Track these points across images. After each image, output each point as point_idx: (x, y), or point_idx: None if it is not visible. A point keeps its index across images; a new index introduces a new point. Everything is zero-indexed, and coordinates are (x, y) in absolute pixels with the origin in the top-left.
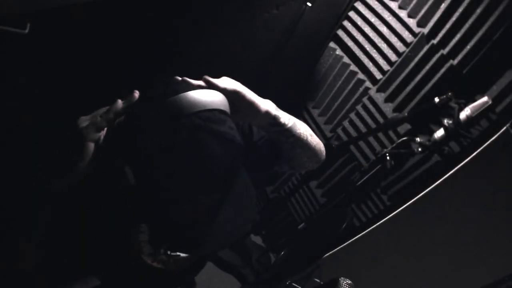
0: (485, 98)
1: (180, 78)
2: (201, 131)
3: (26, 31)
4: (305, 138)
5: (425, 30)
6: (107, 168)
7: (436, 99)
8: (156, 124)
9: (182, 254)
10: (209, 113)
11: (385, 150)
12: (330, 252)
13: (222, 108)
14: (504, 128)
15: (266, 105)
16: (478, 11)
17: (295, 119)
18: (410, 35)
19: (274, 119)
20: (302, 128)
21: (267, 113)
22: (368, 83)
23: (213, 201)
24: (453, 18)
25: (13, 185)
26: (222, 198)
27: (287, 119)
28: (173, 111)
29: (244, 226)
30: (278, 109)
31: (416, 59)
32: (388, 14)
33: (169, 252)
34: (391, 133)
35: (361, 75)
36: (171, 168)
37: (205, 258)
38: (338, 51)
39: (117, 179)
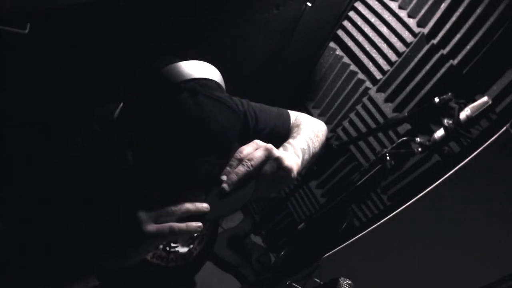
0: (485, 98)
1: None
2: (200, 94)
3: (26, 31)
4: (313, 149)
5: (425, 30)
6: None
7: (436, 99)
8: (157, 90)
9: (181, 250)
10: (206, 81)
11: (385, 150)
12: (330, 252)
13: (218, 81)
14: (504, 128)
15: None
16: (478, 11)
17: (300, 133)
18: (410, 35)
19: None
20: (307, 139)
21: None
22: (368, 83)
23: (210, 164)
24: (453, 18)
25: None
26: (219, 163)
27: (301, 148)
28: (172, 77)
29: (240, 199)
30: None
31: (416, 59)
32: (388, 14)
33: (168, 248)
34: (391, 133)
35: (361, 75)
36: (173, 129)
37: (204, 257)
38: (338, 51)
39: (114, 161)
